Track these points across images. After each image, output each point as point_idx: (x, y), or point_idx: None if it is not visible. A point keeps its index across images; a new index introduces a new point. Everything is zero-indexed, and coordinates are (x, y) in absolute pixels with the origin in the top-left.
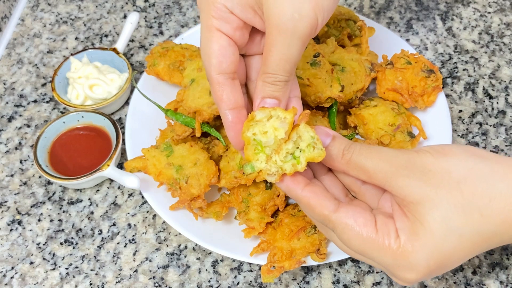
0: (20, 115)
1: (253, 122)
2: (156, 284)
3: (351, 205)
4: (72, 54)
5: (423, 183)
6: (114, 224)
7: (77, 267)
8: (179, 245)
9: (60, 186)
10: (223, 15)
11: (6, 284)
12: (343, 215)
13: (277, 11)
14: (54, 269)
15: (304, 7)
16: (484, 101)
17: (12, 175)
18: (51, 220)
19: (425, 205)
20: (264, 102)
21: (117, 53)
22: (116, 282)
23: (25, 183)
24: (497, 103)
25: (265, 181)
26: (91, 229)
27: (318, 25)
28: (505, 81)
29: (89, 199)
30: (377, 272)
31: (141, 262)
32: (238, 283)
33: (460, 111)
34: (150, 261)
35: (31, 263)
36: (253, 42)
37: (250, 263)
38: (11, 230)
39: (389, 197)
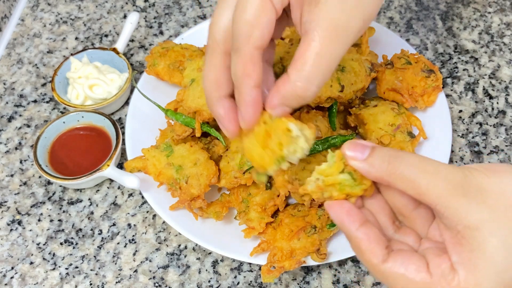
0: (20, 115)
1: (289, 136)
2: (156, 284)
3: (400, 254)
4: (72, 54)
5: (481, 205)
6: (114, 224)
7: (77, 267)
8: (179, 245)
9: (60, 186)
10: None
11: (6, 284)
12: (392, 264)
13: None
14: (54, 269)
15: None
16: (484, 101)
17: (12, 175)
18: (51, 220)
19: (483, 230)
20: (282, 109)
21: (117, 53)
22: (116, 282)
23: (25, 183)
24: (497, 103)
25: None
26: (91, 229)
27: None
28: (505, 81)
29: (89, 199)
30: None
31: (141, 262)
32: (238, 283)
33: (460, 111)
34: (150, 261)
35: (31, 263)
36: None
37: (250, 263)
38: (11, 230)
39: (438, 225)
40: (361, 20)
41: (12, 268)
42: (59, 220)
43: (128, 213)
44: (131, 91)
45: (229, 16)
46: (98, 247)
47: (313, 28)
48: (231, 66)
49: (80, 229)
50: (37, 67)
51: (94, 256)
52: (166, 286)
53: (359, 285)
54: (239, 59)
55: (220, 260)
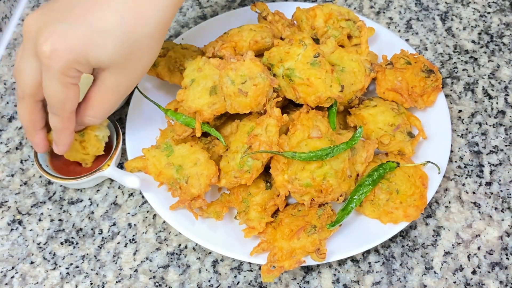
0: None
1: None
2: (156, 284)
3: None
4: None
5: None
6: (114, 224)
7: (77, 267)
8: (179, 245)
9: (61, 186)
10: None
11: (6, 284)
12: None
13: None
14: (54, 268)
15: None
16: (483, 101)
17: (12, 175)
18: (52, 220)
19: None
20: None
21: None
22: (117, 282)
23: (25, 183)
24: (497, 103)
25: (265, 181)
26: (92, 229)
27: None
28: (504, 81)
29: (90, 199)
30: (376, 272)
31: (142, 261)
32: (238, 282)
33: (460, 111)
34: (150, 260)
35: (32, 262)
36: None
37: (250, 263)
38: (12, 230)
39: None
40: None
41: (13, 267)
42: (60, 220)
43: (129, 213)
44: (132, 91)
45: (30, 68)
46: (98, 246)
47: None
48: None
49: (81, 229)
50: None
51: (95, 256)
52: (166, 285)
53: (358, 284)
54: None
55: (220, 260)
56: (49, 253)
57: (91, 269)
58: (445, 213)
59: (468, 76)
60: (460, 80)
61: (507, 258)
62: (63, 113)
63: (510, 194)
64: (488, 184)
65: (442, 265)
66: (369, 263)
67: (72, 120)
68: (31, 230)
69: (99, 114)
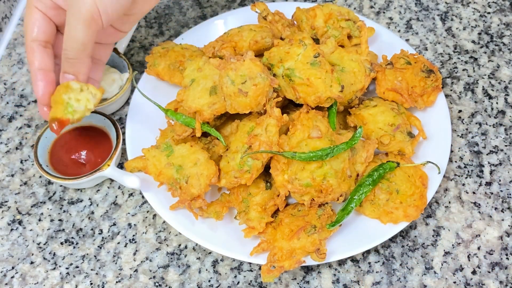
0: (21, 115)
1: (69, 89)
2: (156, 284)
3: None
4: None
5: None
6: (114, 224)
7: (77, 267)
8: (179, 245)
9: (61, 186)
10: None
11: (6, 284)
12: None
13: None
14: (54, 268)
15: None
16: (483, 101)
17: (12, 175)
18: (52, 220)
19: None
20: (63, 76)
21: (118, 53)
22: (117, 282)
23: (25, 183)
24: (497, 103)
25: (265, 181)
26: (92, 229)
27: (100, 14)
28: (504, 81)
29: (90, 199)
30: (376, 272)
31: (142, 261)
32: (238, 282)
33: (460, 111)
34: (150, 260)
35: (32, 262)
36: (105, 33)
37: (250, 263)
38: (12, 230)
39: None
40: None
41: (13, 267)
42: (60, 220)
43: (129, 213)
44: (132, 91)
45: (36, 18)
46: (98, 246)
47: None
48: None
49: (81, 229)
50: None
51: (95, 256)
52: (166, 285)
53: (358, 284)
54: (27, 53)
55: (220, 260)
56: (49, 253)
57: (91, 269)
58: (445, 213)
59: (468, 76)
60: (460, 80)
61: (507, 258)
62: (26, 40)
63: (510, 194)
64: (488, 184)
65: (442, 265)
66: (369, 263)
67: (37, 53)
68: (31, 230)
69: (66, 43)
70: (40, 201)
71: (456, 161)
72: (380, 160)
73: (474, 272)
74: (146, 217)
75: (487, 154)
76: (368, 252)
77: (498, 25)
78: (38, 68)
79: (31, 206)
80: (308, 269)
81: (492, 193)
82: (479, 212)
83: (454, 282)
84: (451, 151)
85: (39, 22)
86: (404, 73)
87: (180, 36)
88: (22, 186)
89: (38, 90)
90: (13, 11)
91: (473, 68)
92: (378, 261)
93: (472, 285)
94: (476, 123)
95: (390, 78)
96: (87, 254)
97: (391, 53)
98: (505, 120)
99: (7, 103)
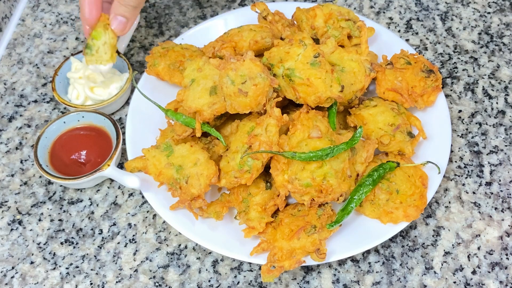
0: (21, 115)
1: (108, 31)
2: (156, 284)
3: None
4: (72, 54)
5: None
6: (114, 224)
7: (77, 267)
8: (179, 245)
9: (61, 186)
10: None
11: (6, 284)
12: None
13: None
14: (54, 268)
15: None
16: (483, 101)
17: (12, 175)
18: (52, 220)
19: None
20: (116, 18)
21: (118, 53)
22: (117, 282)
23: (25, 183)
24: (497, 103)
25: (265, 181)
26: (92, 229)
27: None
28: (504, 81)
29: (90, 199)
30: (376, 272)
31: (142, 261)
32: (238, 282)
33: (460, 111)
34: (150, 260)
35: (32, 262)
36: None
37: (250, 263)
38: (12, 230)
39: None
40: None
41: (13, 267)
42: (60, 220)
43: (129, 213)
44: (132, 91)
45: None
46: (98, 246)
47: None
48: None
49: (81, 229)
50: (38, 67)
51: (95, 256)
52: (166, 285)
53: (358, 284)
54: None
55: (220, 260)
56: (49, 253)
57: (91, 269)
58: (445, 213)
59: (468, 76)
60: (460, 80)
61: (507, 258)
62: None
63: (510, 194)
64: (488, 184)
65: (442, 265)
66: (369, 263)
67: None
68: (31, 230)
69: None
70: (40, 201)
71: (456, 161)
72: (380, 160)
73: (474, 272)
74: (146, 217)
75: (487, 154)
76: (368, 252)
77: (498, 25)
78: None
79: (31, 206)
80: (308, 269)
81: (492, 193)
82: (479, 212)
83: (454, 282)
84: (451, 151)
85: None
86: (404, 73)
87: (180, 36)
88: (22, 186)
89: (86, 12)
90: (13, 11)
91: (473, 68)
92: (378, 261)
93: (472, 285)
94: (476, 123)
95: (390, 78)
96: (87, 254)
97: (391, 53)
98: (505, 120)
99: (7, 103)
